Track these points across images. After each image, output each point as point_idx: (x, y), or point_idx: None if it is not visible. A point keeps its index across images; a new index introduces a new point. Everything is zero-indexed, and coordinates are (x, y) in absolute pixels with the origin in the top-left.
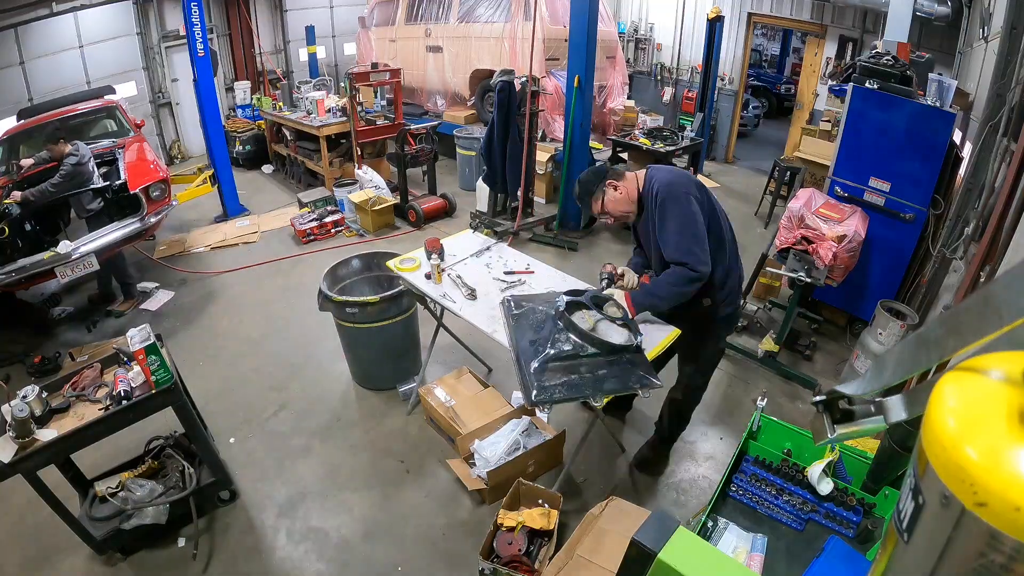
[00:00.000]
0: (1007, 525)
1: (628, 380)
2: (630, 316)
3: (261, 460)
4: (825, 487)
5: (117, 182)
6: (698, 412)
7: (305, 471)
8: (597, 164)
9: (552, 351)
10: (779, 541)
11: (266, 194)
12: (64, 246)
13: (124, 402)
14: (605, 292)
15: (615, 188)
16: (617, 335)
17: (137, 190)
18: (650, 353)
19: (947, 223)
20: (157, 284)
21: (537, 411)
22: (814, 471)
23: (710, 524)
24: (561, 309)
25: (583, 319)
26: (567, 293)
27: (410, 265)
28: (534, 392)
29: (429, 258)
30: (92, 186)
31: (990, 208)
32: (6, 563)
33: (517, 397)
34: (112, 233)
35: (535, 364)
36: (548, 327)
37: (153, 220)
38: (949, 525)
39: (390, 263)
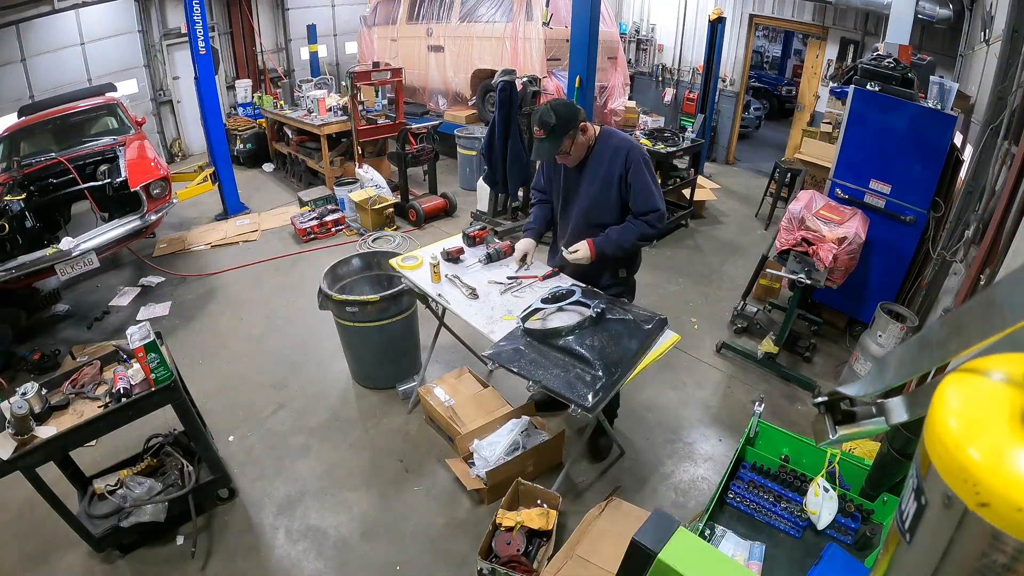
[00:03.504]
0: (1010, 525)
1: (638, 318)
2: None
3: (260, 458)
4: (827, 518)
5: (118, 179)
6: (697, 412)
7: (304, 470)
8: (567, 100)
9: (577, 350)
10: (777, 549)
11: (266, 192)
12: (66, 243)
13: (123, 400)
14: (569, 252)
15: (584, 132)
16: (567, 316)
17: (138, 188)
18: (646, 360)
19: (947, 226)
20: (163, 278)
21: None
22: (813, 502)
23: (707, 532)
24: (523, 333)
25: (543, 324)
26: (521, 320)
27: (412, 263)
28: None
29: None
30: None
31: (990, 211)
32: (4, 560)
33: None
34: (113, 230)
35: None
36: (549, 350)
37: (153, 218)
38: (951, 526)
39: (393, 261)
